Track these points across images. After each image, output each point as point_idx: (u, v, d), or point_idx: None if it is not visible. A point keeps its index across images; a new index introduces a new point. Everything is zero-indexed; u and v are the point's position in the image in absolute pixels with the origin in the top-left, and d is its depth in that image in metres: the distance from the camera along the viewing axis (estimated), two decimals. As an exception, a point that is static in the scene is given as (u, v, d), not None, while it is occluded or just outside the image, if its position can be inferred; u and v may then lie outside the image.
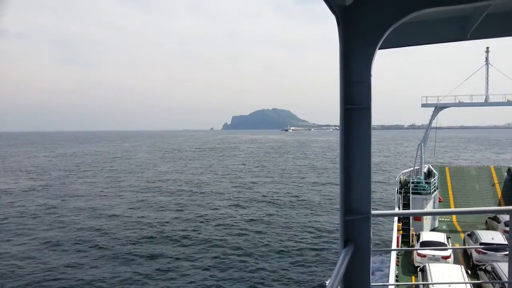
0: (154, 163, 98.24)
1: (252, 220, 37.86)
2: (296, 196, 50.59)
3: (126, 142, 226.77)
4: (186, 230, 34.64)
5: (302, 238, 31.47)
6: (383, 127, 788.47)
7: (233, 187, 59.05)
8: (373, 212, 4.03)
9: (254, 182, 63.57)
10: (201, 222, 37.44)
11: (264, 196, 50.98)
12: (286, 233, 33.04)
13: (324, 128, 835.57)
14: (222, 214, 40.55)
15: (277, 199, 48.31)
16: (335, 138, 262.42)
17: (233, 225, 36.03)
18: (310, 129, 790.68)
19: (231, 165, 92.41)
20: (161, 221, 37.54)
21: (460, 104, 33.34)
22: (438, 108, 33.49)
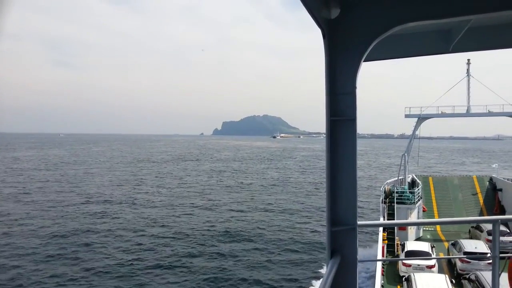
0: (103, 170, 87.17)
1: (226, 232, 35.47)
2: (273, 208, 46.97)
3: (100, 146, 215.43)
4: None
5: (287, 250, 30.91)
6: (373, 136, 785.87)
7: (173, 201, 50.92)
8: (359, 222, 4.06)
9: (207, 196, 55.65)
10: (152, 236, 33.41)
11: (229, 208, 46.40)
12: (270, 244, 32.25)
13: (314, 135, 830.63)
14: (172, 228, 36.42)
15: (247, 211, 44.66)
16: (320, 146, 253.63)
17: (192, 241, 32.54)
18: (299, 137, 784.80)
19: (190, 175, 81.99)
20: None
21: (443, 115, 34.00)
22: (421, 118, 33.96)
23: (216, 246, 31.80)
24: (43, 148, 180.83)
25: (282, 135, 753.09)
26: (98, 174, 79.05)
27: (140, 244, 31.78)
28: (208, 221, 39.95)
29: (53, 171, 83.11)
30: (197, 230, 36.45)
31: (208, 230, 36.49)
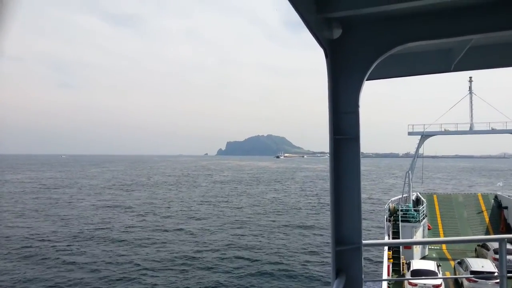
0: (91, 194, 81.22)
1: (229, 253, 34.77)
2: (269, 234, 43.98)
3: (99, 167, 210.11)
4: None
5: (291, 270, 30.31)
6: (377, 155, 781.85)
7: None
8: (363, 241, 4.04)
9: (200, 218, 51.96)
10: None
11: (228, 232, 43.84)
12: (273, 264, 31.69)
13: (318, 155, 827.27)
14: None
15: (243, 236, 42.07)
16: (323, 166, 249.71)
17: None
18: (303, 156, 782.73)
19: (186, 196, 78.37)
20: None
21: (446, 132, 33.75)
22: (425, 136, 33.88)
23: (217, 269, 30.89)
24: (39, 170, 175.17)
25: (286, 155, 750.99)
26: (84, 199, 72.57)
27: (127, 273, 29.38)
28: (207, 244, 38.52)
29: (36, 195, 77.35)
30: (196, 252, 35.28)
31: (208, 252, 35.51)
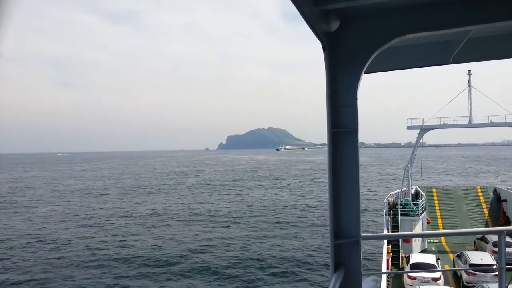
0: (60, 196, 74.68)
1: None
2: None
3: (91, 165, 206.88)
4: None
5: (289, 265, 30.19)
6: (379, 146, 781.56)
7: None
8: (362, 235, 4.06)
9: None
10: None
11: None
12: (271, 259, 31.55)
13: (319, 147, 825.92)
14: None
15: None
16: (323, 158, 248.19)
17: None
18: (304, 148, 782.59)
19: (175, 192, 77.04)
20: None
21: (445, 126, 33.89)
22: (424, 130, 33.97)
23: (215, 265, 30.51)
24: (23, 170, 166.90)
25: (286, 147, 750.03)
26: (50, 201, 66.49)
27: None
28: (202, 240, 38.02)
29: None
30: (192, 248, 35.03)
31: (206, 248, 35.15)
